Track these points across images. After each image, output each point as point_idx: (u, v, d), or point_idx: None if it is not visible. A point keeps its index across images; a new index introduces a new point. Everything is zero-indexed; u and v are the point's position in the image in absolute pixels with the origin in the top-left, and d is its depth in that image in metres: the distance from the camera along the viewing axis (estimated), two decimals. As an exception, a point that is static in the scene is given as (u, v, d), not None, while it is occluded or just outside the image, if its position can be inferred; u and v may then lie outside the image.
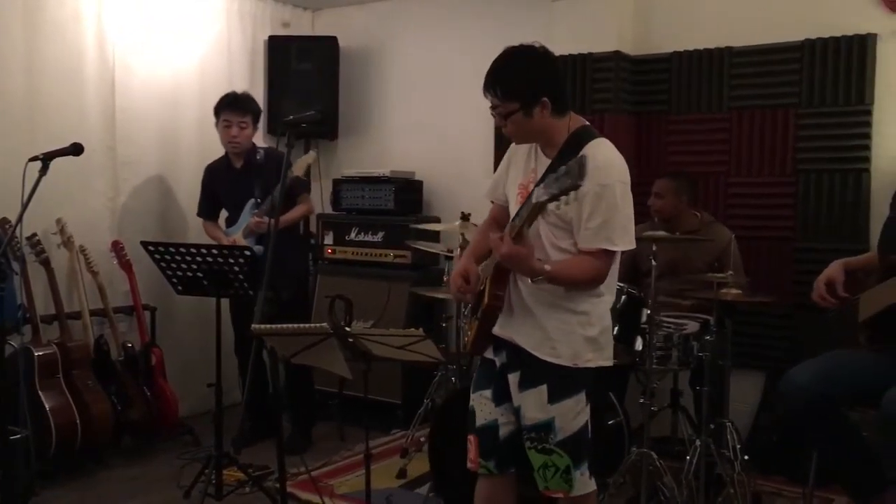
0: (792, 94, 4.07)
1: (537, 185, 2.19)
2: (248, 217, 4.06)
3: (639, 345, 3.32)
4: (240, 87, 5.00)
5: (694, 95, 4.36)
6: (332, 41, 5.22)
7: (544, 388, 2.31)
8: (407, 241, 4.47)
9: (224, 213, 4.37)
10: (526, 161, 2.41)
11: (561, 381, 2.31)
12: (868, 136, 3.89)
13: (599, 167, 2.19)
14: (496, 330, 2.38)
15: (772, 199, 4.15)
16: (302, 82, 5.10)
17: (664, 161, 4.44)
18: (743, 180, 4.23)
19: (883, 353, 2.74)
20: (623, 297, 3.32)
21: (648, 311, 3.24)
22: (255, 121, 4.19)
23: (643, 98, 4.52)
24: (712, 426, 3.44)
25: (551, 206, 2.03)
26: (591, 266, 2.26)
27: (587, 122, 2.39)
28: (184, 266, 3.46)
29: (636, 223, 4.14)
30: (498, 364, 2.46)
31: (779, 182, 4.13)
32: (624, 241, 2.27)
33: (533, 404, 2.33)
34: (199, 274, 3.46)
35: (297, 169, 3.91)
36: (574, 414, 2.32)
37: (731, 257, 3.45)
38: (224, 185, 4.23)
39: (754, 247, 4.14)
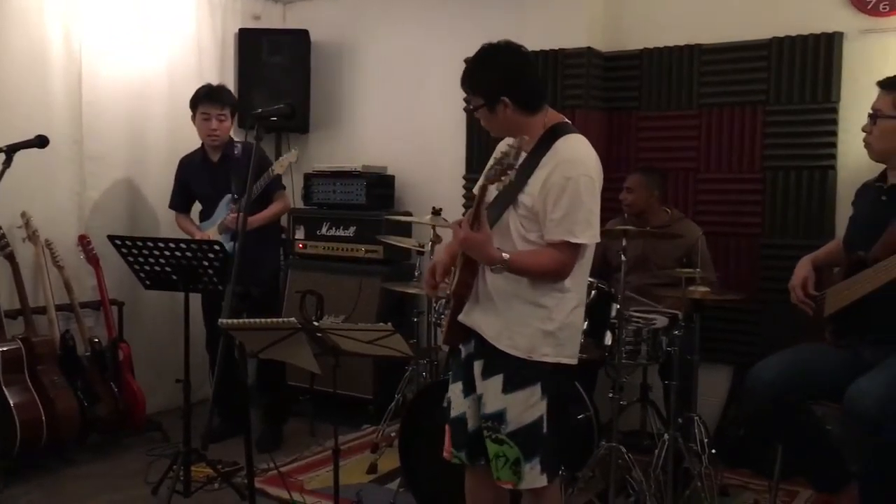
0: (760, 91, 4.11)
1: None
2: (223, 212, 4.02)
3: (608, 340, 3.34)
4: (210, 79, 4.94)
5: (664, 92, 4.39)
6: (303, 34, 5.18)
7: (500, 377, 2.34)
8: (378, 236, 4.46)
9: (197, 207, 4.32)
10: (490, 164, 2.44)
11: (516, 372, 2.33)
12: (834, 134, 3.94)
13: (566, 160, 2.27)
14: (462, 318, 2.41)
15: (740, 196, 4.19)
16: (273, 75, 5.07)
17: (634, 157, 4.47)
18: (712, 177, 4.27)
19: (847, 349, 2.79)
20: (593, 292, 3.34)
21: (618, 306, 3.26)
22: (233, 113, 4.15)
23: (614, 94, 4.54)
24: (680, 420, 3.48)
25: (521, 197, 2.13)
26: (553, 258, 2.28)
27: (565, 119, 2.44)
28: (151, 260, 3.42)
29: (607, 218, 4.25)
30: (464, 354, 2.50)
31: (746, 179, 4.17)
32: (587, 234, 2.29)
33: (490, 393, 2.37)
34: (168, 268, 3.42)
35: (279, 167, 3.88)
36: (526, 407, 2.33)
37: (699, 254, 3.49)
38: (199, 178, 4.18)
39: (722, 243, 4.19)
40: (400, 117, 5.11)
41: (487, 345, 2.38)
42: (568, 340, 2.37)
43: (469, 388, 2.47)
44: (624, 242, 3.23)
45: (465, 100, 2.42)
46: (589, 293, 3.31)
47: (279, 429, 4.26)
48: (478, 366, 2.41)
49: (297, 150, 4.13)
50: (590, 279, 3.33)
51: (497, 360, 2.35)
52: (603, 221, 4.17)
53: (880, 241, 2.65)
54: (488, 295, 2.37)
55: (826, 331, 2.86)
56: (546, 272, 2.30)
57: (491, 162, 2.14)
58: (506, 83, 2.32)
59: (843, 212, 3.53)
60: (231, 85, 5.08)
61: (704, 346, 3.66)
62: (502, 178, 2.10)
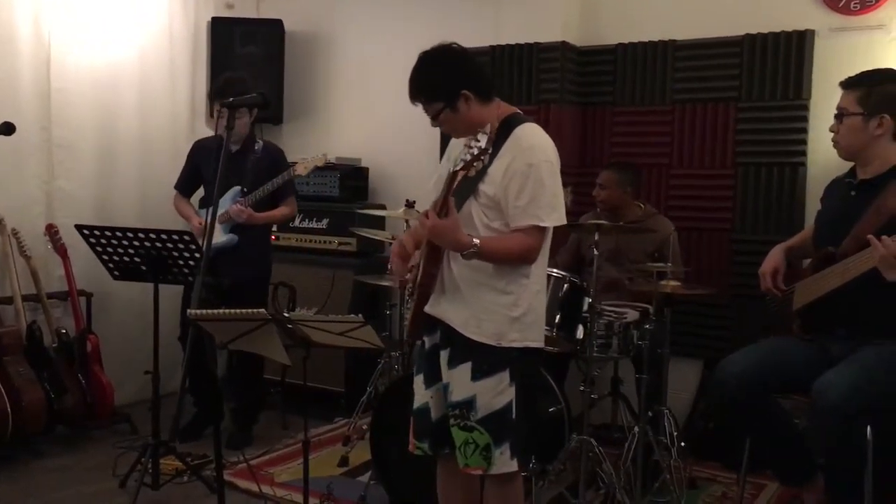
0: (732, 88, 4.15)
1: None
2: (227, 203, 3.92)
3: (580, 333, 3.35)
4: (182, 69, 4.92)
5: (638, 87, 4.41)
6: (277, 24, 5.14)
7: (468, 365, 2.36)
8: (352, 229, 4.44)
9: (199, 193, 4.22)
10: (461, 151, 2.44)
11: (484, 359, 2.36)
12: (805, 131, 3.98)
13: (526, 148, 2.32)
14: (428, 309, 2.43)
15: (711, 192, 4.23)
16: (246, 66, 5.01)
17: (608, 152, 4.50)
18: (684, 172, 4.30)
19: (814, 342, 2.82)
20: (565, 285, 3.35)
21: (590, 300, 3.28)
22: (252, 107, 3.90)
23: (588, 89, 4.56)
24: (650, 413, 3.50)
25: (483, 186, 2.19)
26: (521, 242, 2.33)
27: (517, 110, 2.47)
28: (120, 251, 3.38)
29: (581, 212, 4.27)
30: (428, 344, 2.53)
31: (718, 175, 4.20)
32: (552, 217, 2.34)
33: (458, 381, 2.39)
34: (137, 259, 3.38)
35: (302, 168, 3.82)
36: (496, 392, 2.36)
37: (671, 249, 3.51)
38: (211, 164, 4.02)
39: (694, 238, 4.23)
40: (374, 109, 5.09)
41: (454, 334, 2.40)
42: (533, 324, 2.42)
43: (431, 379, 2.51)
44: (596, 237, 3.25)
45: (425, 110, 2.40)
46: (561, 287, 3.34)
47: (249, 429, 4.21)
48: (444, 355, 2.44)
49: (325, 154, 4.05)
50: (562, 273, 3.38)
51: (464, 349, 2.38)
52: (577, 215, 4.28)
53: (850, 236, 2.68)
54: (454, 284, 2.40)
55: (794, 325, 2.89)
56: (515, 256, 2.35)
57: (462, 149, 2.17)
58: (463, 76, 2.37)
59: (813, 208, 3.57)
60: (203, 74, 5.05)
61: (675, 340, 3.69)
62: (475, 164, 2.13)
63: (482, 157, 2.12)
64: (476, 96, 2.36)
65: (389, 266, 2.59)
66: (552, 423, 3.43)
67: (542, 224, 2.32)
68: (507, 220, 2.35)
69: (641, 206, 4.08)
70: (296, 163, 3.94)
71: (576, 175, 4.54)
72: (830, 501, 2.86)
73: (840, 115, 2.76)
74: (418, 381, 2.56)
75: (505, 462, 2.39)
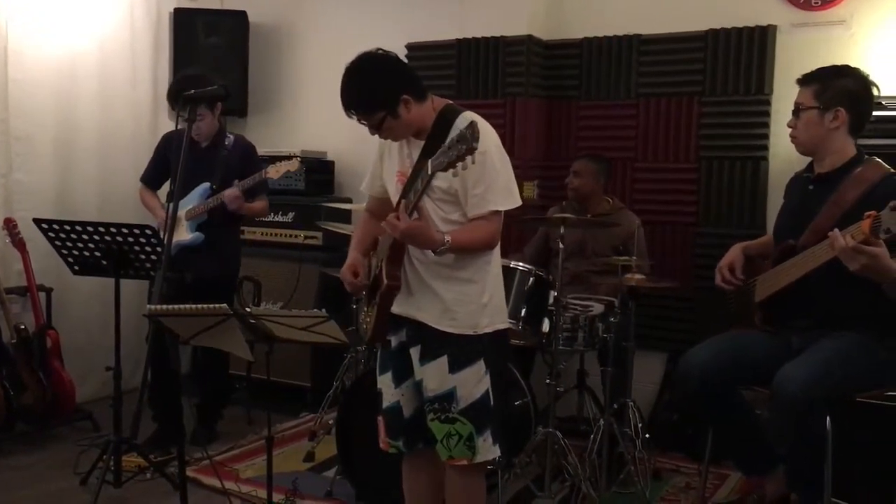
0: (696, 82, 4.18)
1: (417, 164, 2.31)
2: (195, 199, 3.83)
3: (545, 326, 3.36)
4: (143, 60, 4.84)
5: (603, 81, 4.43)
6: (241, 15, 5.09)
7: (444, 358, 2.38)
8: (318, 223, 4.42)
9: (167, 187, 4.12)
10: (399, 149, 2.49)
11: (461, 350, 2.38)
12: (767, 126, 4.03)
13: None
14: (395, 309, 2.43)
15: (675, 185, 4.26)
16: (209, 57, 4.95)
17: (574, 146, 4.51)
18: (649, 166, 4.33)
19: (776, 334, 2.85)
20: (531, 279, 3.36)
21: (555, 294, 3.29)
22: (213, 105, 3.81)
23: (554, 83, 4.56)
24: (615, 406, 3.53)
25: (435, 182, 2.21)
26: (485, 229, 2.36)
27: (449, 101, 2.48)
28: (80, 245, 3.31)
29: (547, 206, 4.28)
30: (395, 343, 2.52)
31: (682, 168, 4.24)
32: (509, 200, 2.39)
33: (434, 376, 2.40)
34: (98, 253, 3.32)
35: (274, 171, 3.75)
36: (475, 381, 2.40)
37: (636, 243, 3.53)
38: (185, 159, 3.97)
39: (658, 231, 4.26)
40: (339, 102, 5.02)
41: (425, 329, 2.41)
42: (499, 307, 2.50)
43: (401, 377, 2.51)
44: (562, 230, 3.26)
45: (361, 121, 2.37)
46: (527, 280, 3.35)
47: (213, 426, 4.17)
48: (414, 352, 2.45)
49: (299, 158, 3.97)
50: (528, 266, 3.39)
51: (437, 343, 2.40)
52: (544, 209, 4.29)
53: (809, 228, 2.72)
54: (421, 281, 2.41)
55: (756, 317, 2.93)
56: (482, 244, 2.39)
57: (443, 149, 2.13)
58: (399, 81, 2.35)
59: (775, 202, 3.62)
60: (165, 66, 4.97)
61: (640, 332, 3.72)
62: (458, 164, 2.09)
63: (467, 158, 2.07)
64: (414, 98, 2.34)
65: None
66: (518, 416, 3.44)
67: (502, 208, 2.37)
68: (464, 210, 2.37)
69: (609, 200, 4.11)
70: (269, 165, 3.86)
71: (541, 168, 4.55)
72: (791, 491, 2.91)
73: (797, 110, 2.80)
74: (385, 379, 2.56)
75: (488, 449, 2.43)
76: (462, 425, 2.39)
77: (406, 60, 4.75)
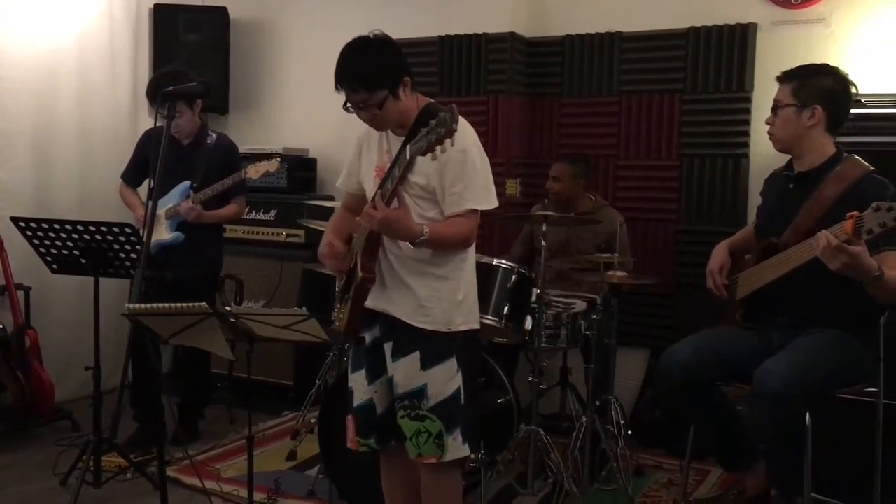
0: (677, 80, 4.20)
1: (397, 156, 2.29)
2: (176, 198, 3.79)
3: (528, 324, 3.36)
4: (123, 57, 4.80)
5: (585, 79, 4.43)
6: (221, 11, 5.04)
7: (417, 355, 2.37)
8: (300, 220, 4.39)
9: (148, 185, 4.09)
10: (379, 144, 2.47)
11: (433, 346, 2.37)
12: (747, 123, 4.05)
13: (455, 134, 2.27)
14: (368, 304, 2.42)
15: (657, 182, 4.28)
16: (190, 53, 4.91)
17: (556, 143, 4.52)
18: (631, 163, 4.35)
19: (756, 331, 2.87)
20: (514, 276, 3.36)
21: (538, 291, 3.29)
22: (192, 101, 3.77)
23: (537, 80, 4.57)
24: (598, 403, 3.54)
25: (413, 178, 2.21)
26: (463, 226, 2.35)
27: (431, 100, 2.48)
28: (59, 243, 3.28)
29: (530, 204, 4.29)
30: (369, 340, 2.51)
31: (664, 166, 4.26)
32: (487, 199, 2.38)
33: (406, 372, 2.39)
34: (77, 252, 3.29)
35: (253, 171, 3.72)
36: (446, 379, 2.38)
37: (618, 240, 3.54)
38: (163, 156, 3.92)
39: (640, 228, 4.27)
40: (322, 99, 4.90)
41: (398, 325, 2.40)
42: (474, 306, 2.49)
43: (375, 374, 2.50)
44: (544, 227, 3.26)
45: (354, 104, 2.33)
46: (510, 278, 3.35)
47: (195, 425, 4.14)
48: (387, 348, 2.44)
49: (279, 159, 3.95)
50: (511, 264, 3.39)
51: (409, 339, 2.38)
52: (527, 206, 4.29)
53: (790, 227, 2.73)
54: (396, 276, 2.40)
55: (737, 314, 2.95)
56: (460, 241, 2.38)
57: (422, 134, 2.10)
58: (403, 62, 2.36)
59: (756, 199, 3.62)
60: (145, 62, 4.93)
61: (622, 329, 3.73)
62: (436, 148, 2.07)
63: (446, 142, 2.06)
64: (412, 84, 2.36)
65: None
66: (501, 413, 3.45)
67: (480, 207, 2.35)
68: (442, 207, 2.36)
69: (592, 197, 4.12)
70: (248, 164, 3.83)
71: (524, 166, 4.55)
72: (771, 486, 2.93)
73: (775, 108, 2.82)
74: (358, 377, 2.54)
75: (458, 448, 2.41)
76: (431, 423, 2.38)
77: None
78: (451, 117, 2.03)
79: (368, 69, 2.29)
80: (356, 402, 2.55)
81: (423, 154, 2.11)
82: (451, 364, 2.39)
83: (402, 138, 2.37)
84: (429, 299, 2.37)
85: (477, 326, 2.50)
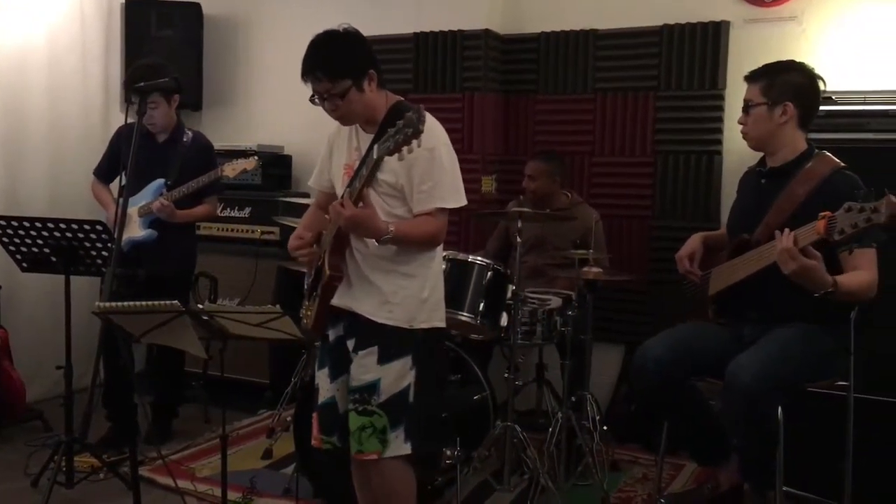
0: (651, 77, 4.22)
1: (365, 156, 2.30)
2: (149, 196, 3.75)
3: (504, 320, 3.37)
4: (94, 53, 4.74)
5: (560, 76, 4.44)
6: (194, 7, 5.00)
7: (375, 349, 2.38)
8: (275, 218, 4.37)
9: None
10: (348, 142, 2.49)
11: (392, 342, 2.38)
12: (721, 120, 4.08)
13: (424, 132, 2.25)
14: (334, 301, 2.42)
15: (632, 179, 4.30)
16: (162, 49, 4.85)
17: (531, 140, 4.53)
18: (606, 160, 4.36)
19: (728, 326, 2.89)
20: (489, 273, 3.36)
21: (513, 288, 3.30)
22: (169, 95, 3.74)
23: (512, 77, 4.57)
24: (573, 399, 3.55)
25: (382, 175, 2.23)
26: (431, 225, 2.36)
27: (402, 98, 2.49)
28: (28, 241, 3.23)
29: (506, 201, 4.29)
30: (333, 337, 2.52)
31: (639, 163, 4.28)
32: (455, 198, 2.39)
33: (361, 365, 2.40)
34: (47, 249, 3.25)
35: (230, 170, 3.68)
36: (400, 376, 2.39)
37: (593, 237, 3.56)
38: (136, 152, 3.87)
39: (615, 225, 4.29)
40: (297, 96, 4.83)
41: (361, 322, 2.41)
42: (438, 305, 2.48)
43: (337, 372, 2.51)
44: (519, 224, 3.26)
45: (318, 94, 2.34)
46: (485, 275, 3.35)
47: (168, 424, 4.11)
48: (350, 344, 2.45)
49: (257, 159, 3.92)
50: (486, 260, 3.39)
51: (370, 334, 2.39)
52: (503, 203, 4.29)
53: (763, 223, 2.76)
54: (361, 274, 2.41)
55: (710, 310, 2.97)
56: (427, 239, 2.39)
57: (388, 135, 2.11)
58: (370, 56, 2.37)
59: (729, 195, 3.67)
60: (117, 58, 4.88)
61: (597, 325, 3.75)
62: (404, 148, 2.09)
63: (413, 142, 2.07)
64: (377, 79, 2.36)
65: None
66: (477, 410, 3.45)
67: (448, 205, 2.36)
68: (410, 205, 2.37)
69: (568, 194, 4.13)
70: (224, 162, 3.79)
71: (500, 163, 4.56)
72: (744, 480, 2.95)
73: (747, 107, 2.84)
74: (322, 374, 2.55)
75: (399, 445, 2.40)
76: (378, 417, 2.37)
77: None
78: (418, 118, 2.05)
79: (332, 59, 2.31)
80: (320, 399, 2.56)
81: (390, 154, 2.13)
82: (407, 361, 2.39)
83: (371, 136, 2.37)
84: (393, 295, 2.39)
85: (441, 325, 2.50)
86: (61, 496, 3.19)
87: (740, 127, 2.89)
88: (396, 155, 2.12)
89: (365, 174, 2.22)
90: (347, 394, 2.45)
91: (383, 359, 2.37)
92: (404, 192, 2.36)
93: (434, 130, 2.34)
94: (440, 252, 2.50)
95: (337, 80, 2.30)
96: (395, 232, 2.28)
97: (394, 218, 2.36)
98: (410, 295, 2.39)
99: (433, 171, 2.32)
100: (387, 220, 2.30)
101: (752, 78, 2.85)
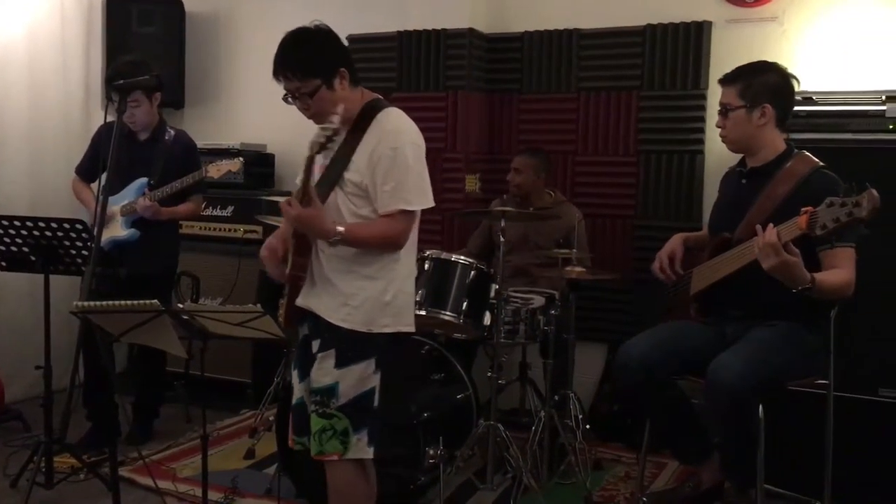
0: (634, 77, 4.23)
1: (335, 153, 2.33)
2: (132, 195, 3.71)
3: (487, 319, 3.37)
4: (74, 49, 4.71)
5: (544, 75, 4.45)
6: (177, 4, 4.97)
7: (333, 352, 2.34)
8: (257, 217, 4.34)
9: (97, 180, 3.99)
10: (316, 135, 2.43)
11: (350, 345, 2.34)
12: (703, 120, 4.09)
13: (390, 132, 2.31)
14: (299, 301, 2.41)
15: (615, 179, 4.31)
16: (144, 47, 4.80)
17: (515, 139, 4.53)
18: (589, 159, 4.37)
19: (711, 325, 2.91)
20: (472, 272, 3.36)
21: (497, 287, 3.29)
22: (151, 93, 3.71)
23: (496, 76, 4.57)
24: (556, 397, 3.56)
25: (348, 174, 2.27)
26: (389, 227, 2.32)
27: (379, 96, 2.46)
28: (7, 240, 3.20)
29: (490, 200, 4.29)
30: (300, 335, 2.51)
31: (622, 162, 4.29)
32: (419, 200, 2.33)
33: (322, 368, 2.36)
34: (26, 248, 3.22)
35: (214, 170, 3.66)
36: (361, 378, 2.34)
37: (577, 236, 3.56)
38: (118, 150, 3.84)
39: (598, 224, 4.30)
40: (279, 94, 4.88)
41: (322, 322, 2.38)
42: (404, 309, 2.42)
43: (304, 372, 2.48)
44: (503, 223, 3.26)
45: (290, 93, 2.34)
46: (469, 274, 3.35)
47: (149, 424, 4.08)
48: (315, 345, 2.41)
49: (240, 160, 3.87)
50: (469, 259, 3.39)
51: (330, 337, 2.36)
52: (487, 202, 4.29)
53: (743, 222, 2.77)
54: (323, 275, 2.38)
55: (692, 308, 2.98)
56: (383, 242, 2.34)
57: (316, 133, 2.17)
58: (341, 54, 2.35)
59: (711, 195, 3.67)
60: (98, 55, 4.83)
61: (580, 325, 3.75)
62: (328, 146, 2.13)
63: (334, 138, 2.11)
64: (350, 78, 2.33)
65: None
66: (460, 409, 3.45)
67: (409, 208, 2.31)
68: (375, 206, 2.34)
69: (551, 193, 4.14)
70: (207, 161, 3.76)
71: (483, 161, 4.56)
72: (725, 478, 2.97)
73: (725, 111, 2.84)
74: (295, 375, 2.53)
75: (361, 448, 2.36)
76: (339, 420, 2.33)
77: (347, 52, 4.75)
78: (339, 120, 2.11)
79: (301, 57, 2.29)
80: (294, 399, 2.53)
81: (317, 153, 2.18)
82: (369, 365, 2.35)
83: (345, 134, 2.35)
84: (352, 297, 2.34)
85: (407, 329, 2.43)
86: (41, 497, 3.16)
87: (719, 130, 2.90)
88: (366, 152, 2.16)
89: (303, 173, 2.21)
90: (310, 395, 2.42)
91: (341, 362, 2.32)
92: (369, 192, 2.32)
93: (401, 129, 2.32)
94: (408, 254, 2.43)
95: (306, 79, 2.28)
96: (345, 233, 2.25)
97: (358, 218, 2.33)
98: (370, 297, 2.34)
99: (395, 171, 2.28)
100: (338, 221, 2.27)
101: (727, 81, 2.85)
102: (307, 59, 2.29)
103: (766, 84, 2.78)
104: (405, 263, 2.42)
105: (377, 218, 2.34)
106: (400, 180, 2.28)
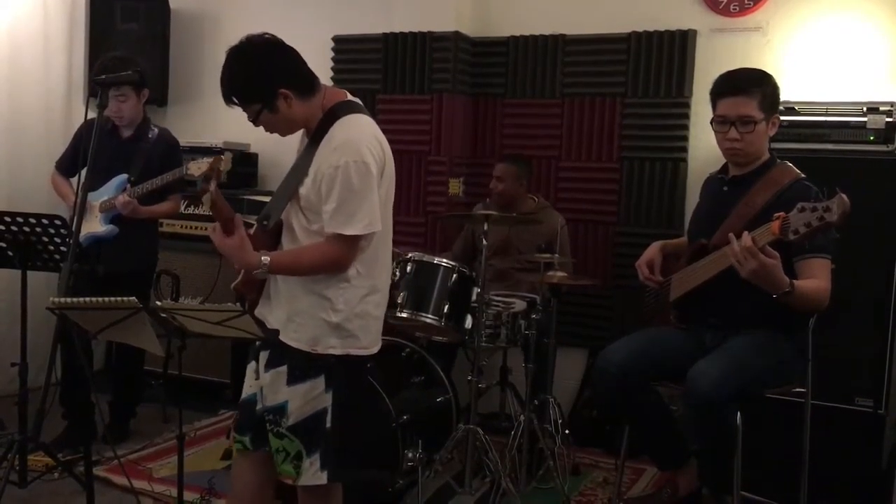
0: (619, 83, 4.24)
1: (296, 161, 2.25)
2: (112, 191, 3.67)
3: (468, 323, 3.37)
4: (57, 45, 4.66)
5: (529, 80, 4.45)
6: (161, 1, 4.94)
7: (285, 369, 2.24)
8: (240, 216, 4.30)
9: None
10: (299, 146, 2.38)
11: (299, 364, 2.22)
12: (686, 128, 4.12)
13: (336, 148, 2.15)
14: (257, 311, 2.33)
15: (598, 185, 4.32)
16: (128, 44, 4.78)
17: (499, 144, 4.53)
18: (572, 165, 4.38)
19: (689, 332, 2.92)
20: (454, 275, 3.36)
21: (478, 290, 3.29)
22: (139, 88, 3.70)
23: (481, 80, 4.58)
24: (536, 402, 3.56)
25: (301, 188, 2.18)
26: (322, 253, 2.18)
27: (347, 97, 2.31)
28: (-17, 235, 3.16)
29: (473, 204, 4.29)
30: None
31: (605, 168, 4.30)
32: (359, 225, 2.15)
33: (273, 385, 2.26)
34: (3, 244, 3.18)
35: (195, 169, 3.60)
36: (307, 399, 2.22)
37: (559, 241, 3.57)
38: (99, 146, 3.78)
39: (581, 229, 4.32)
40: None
41: (274, 335, 2.28)
42: (360, 330, 2.25)
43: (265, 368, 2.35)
44: (486, 227, 3.26)
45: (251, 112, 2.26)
46: (450, 277, 3.35)
47: (126, 424, 4.05)
48: (263, 356, 2.32)
49: (228, 155, 3.81)
50: (451, 263, 3.39)
51: (281, 352, 2.26)
52: (470, 206, 4.29)
53: (721, 229, 2.78)
54: (277, 287, 2.30)
55: (671, 315, 2.99)
56: (315, 269, 2.20)
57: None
58: (279, 74, 2.18)
59: (693, 202, 3.68)
60: (81, 52, 4.80)
61: (561, 329, 3.76)
62: (206, 184, 2.09)
63: (205, 185, 2.02)
64: (296, 94, 2.17)
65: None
66: (440, 412, 3.44)
67: (345, 233, 2.14)
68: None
69: (534, 198, 4.15)
70: (189, 159, 3.73)
71: (467, 165, 4.56)
72: (702, 484, 2.98)
73: (749, 123, 2.70)
74: (250, 369, 2.39)
75: (314, 474, 2.23)
76: (290, 442, 2.23)
77: (333, 53, 4.73)
78: (223, 163, 2.07)
79: (236, 85, 2.20)
80: (243, 395, 2.40)
81: (202, 194, 2.13)
82: (317, 384, 2.21)
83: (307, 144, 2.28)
84: (301, 315, 2.22)
85: (363, 353, 2.27)
86: (14, 495, 3.11)
87: (733, 144, 2.74)
88: (317, 167, 2.10)
89: (211, 207, 2.14)
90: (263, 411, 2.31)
91: (291, 380, 2.22)
92: (316, 207, 2.18)
93: (351, 146, 2.14)
94: (371, 273, 2.26)
95: (247, 104, 2.20)
96: (270, 265, 2.14)
97: (310, 234, 2.21)
98: (315, 317, 2.20)
99: (336, 191, 2.11)
100: (262, 252, 2.16)
101: (743, 90, 2.71)
102: (243, 86, 2.19)
103: (774, 94, 2.75)
104: (361, 283, 2.23)
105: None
106: (340, 203, 2.12)
